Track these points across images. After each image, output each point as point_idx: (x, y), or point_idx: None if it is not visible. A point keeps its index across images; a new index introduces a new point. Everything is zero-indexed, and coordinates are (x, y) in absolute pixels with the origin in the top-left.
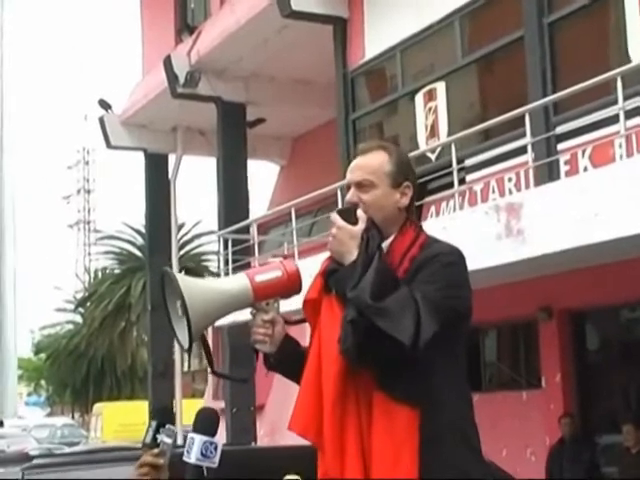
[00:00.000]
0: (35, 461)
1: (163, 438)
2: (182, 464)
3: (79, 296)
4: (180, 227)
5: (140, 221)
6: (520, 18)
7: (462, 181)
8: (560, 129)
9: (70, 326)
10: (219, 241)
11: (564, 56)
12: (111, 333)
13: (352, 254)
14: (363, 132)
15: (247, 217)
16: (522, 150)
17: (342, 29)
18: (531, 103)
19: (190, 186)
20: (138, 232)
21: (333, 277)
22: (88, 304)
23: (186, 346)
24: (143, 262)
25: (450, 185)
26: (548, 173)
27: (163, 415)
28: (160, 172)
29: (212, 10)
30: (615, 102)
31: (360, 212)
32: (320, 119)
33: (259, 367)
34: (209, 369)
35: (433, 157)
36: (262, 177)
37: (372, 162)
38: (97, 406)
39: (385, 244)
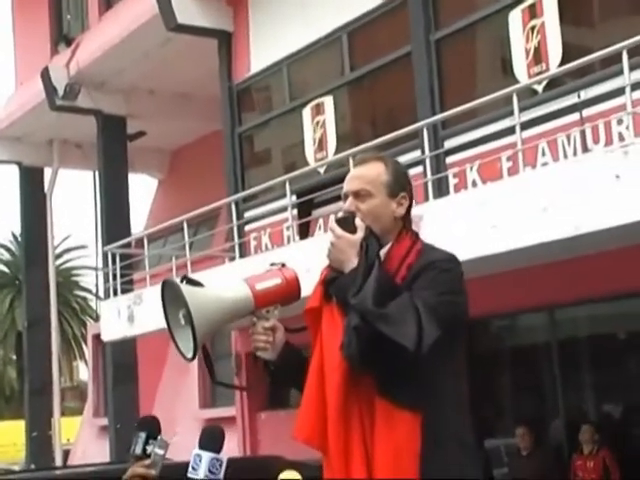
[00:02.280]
0: None
1: (155, 449)
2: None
3: None
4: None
5: (6, 235)
6: (407, 34)
7: None
8: (448, 144)
9: None
10: (104, 256)
11: (451, 72)
12: None
13: (352, 262)
14: (249, 146)
15: (129, 231)
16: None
17: (227, 43)
18: (422, 119)
19: (56, 199)
20: (4, 247)
21: (334, 285)
22: None
23: (190, 355)
24: (10, 278)
25: (339, 198)
26: (438, 187)
27: (150, 426)
28: (35, 185)
29: (90, 22)
30: (504, 116)
31: (359, 221)
32: (199, 132)
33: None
34: (210, 379)
35: (322, 171)
36: (137, 191)
37: (370, 172)
38: None
39: (382, 252)
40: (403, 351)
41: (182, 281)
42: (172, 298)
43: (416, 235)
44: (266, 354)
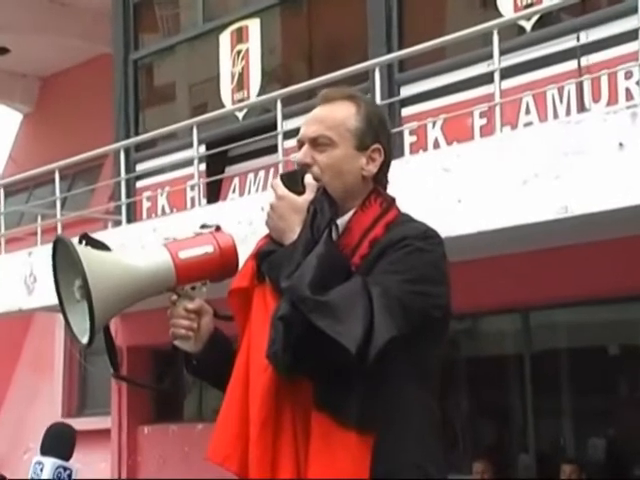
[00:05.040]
0: None
1: None
2: None
3: None
4: None
5: None
6: None
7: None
8: (405, 91)
9: None
10: None
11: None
12: None
13: (294, 232)
14: (146, 77)
15: None
16: None
17: None
18: (373, 57)
19: None
20: None
21: (267, 260)
22: None
23: (85, 340)
24: None
25: (262, 153)
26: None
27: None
28: None
29: None
30: (480, 59)
31: (309, 178)
32: (81, 55)
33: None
34: (112, 372)
35: (240, 116)
36: None
37: (334, 115)
38: None
39: (341, 221)
40: (344, 354)
41: (80, 241)
42: (66, 262)
43: (390, 202)
44: (187, 344)
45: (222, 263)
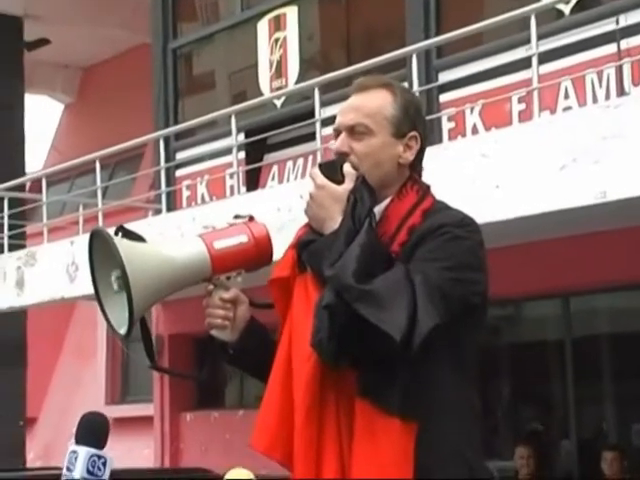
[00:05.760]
0: None
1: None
2: None
3: None
4: None
5: None
6: None
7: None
8: (443, 77)
9: None
10: None
11: None
12: None
13: (334, 221)
14: (185, 66)
15: (23, 169)
16: None
17: None
18: (411, 43)
19: None
20: None
21: (307, 250)
22: None
23: (123, 331)
24: None
25: (300, 140)
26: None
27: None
28: None
29: None
30: (517, 44)
31: (347, 167)
32: (121, 45)
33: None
34: (149, 361)
35: (279, 104)
36: (35, 117)
37: (371, 103)
38: None
39: (379, 209)
40: (388, 342)
41: (117, 233)
42: (103, 254)
43: (426, 189)
44: (224, 334)
45: (257, 252)
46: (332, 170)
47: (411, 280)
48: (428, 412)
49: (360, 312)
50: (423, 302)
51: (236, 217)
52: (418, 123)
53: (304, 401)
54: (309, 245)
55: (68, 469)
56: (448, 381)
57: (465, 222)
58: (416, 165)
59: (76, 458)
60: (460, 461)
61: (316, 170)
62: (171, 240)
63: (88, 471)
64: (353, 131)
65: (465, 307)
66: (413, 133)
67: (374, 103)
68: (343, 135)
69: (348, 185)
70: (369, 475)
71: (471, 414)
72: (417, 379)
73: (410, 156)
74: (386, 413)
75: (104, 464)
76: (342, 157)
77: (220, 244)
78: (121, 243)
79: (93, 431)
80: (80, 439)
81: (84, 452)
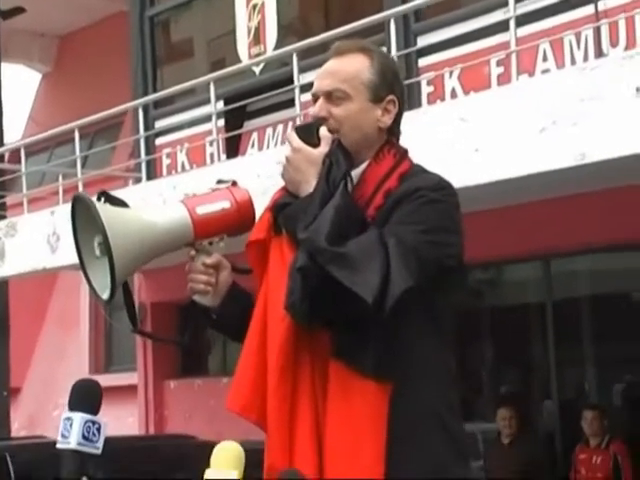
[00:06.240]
0: None
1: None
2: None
3: None
4: None
5: None
6: None
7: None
8: (422, 41)
9: None
10: None
11: None
12: None
13: (310, 184)
14: (163, 34)
15: (1, 139)
16: None
17: None
18: (389, 7)
19: None
20: None
21: (283, 213)
22: None
23: (105, 296)
24: None
25: (279, 107)
26: (407, 96)
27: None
28: None
29: None
30: (495, 7)
31: (324, 130)
32: (97, 12)
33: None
34: (131, 327)
35: (257, 71)
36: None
37: (348, 67)
38: None
39: (355, 173)
40: (361, 304)
41: (99, 198)
42: (85, 220)
43: (403, 153)
44: (206, 299)
45: (239, 217)
46: (308, 133)
47: (385, 243)
48: (403, 374)
49: (333, 274)
50: (396, 264)
51: (219, 182)
52: (396, 87)
53: (278, 361)
54: (285, 208)
55: (63, 436)
56: (424, 344)
57: (441, 185)
58: (394, 129)
59: (71, 425)
60: (435, 421)
61: (292, 133)
62: (153, 206)
63: (84, 436)
64: (331, 96)
65: (440, 270)
66: (391, 97)
67: (351, 68)
68: (321, 100)
69: (324, 148)
70: (343, 433)
71: (448, 376)
72: (392, 341)
73: (388, 120)
74: (360, 374)
75: (98, 430)
76: (319, 121)
77: (202, 209)
78: (103, 208)
79: (86, 397)
80: (74, 406)
81: (79, 418)
